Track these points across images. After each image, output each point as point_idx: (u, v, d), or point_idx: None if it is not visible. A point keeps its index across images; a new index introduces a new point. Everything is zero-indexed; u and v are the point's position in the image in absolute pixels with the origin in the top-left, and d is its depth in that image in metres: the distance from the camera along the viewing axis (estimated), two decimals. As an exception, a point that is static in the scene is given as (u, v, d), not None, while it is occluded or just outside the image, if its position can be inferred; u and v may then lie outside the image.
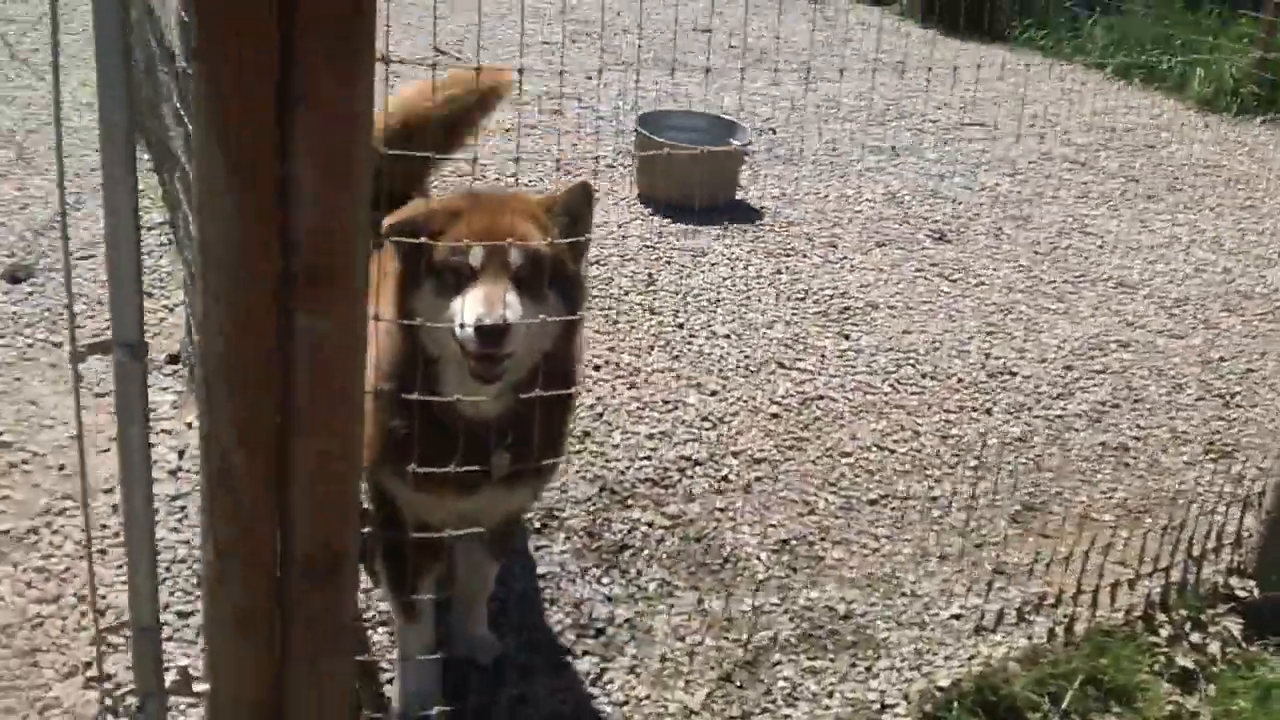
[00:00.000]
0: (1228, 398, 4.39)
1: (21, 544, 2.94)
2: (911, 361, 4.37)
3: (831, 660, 2.91)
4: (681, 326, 4.42)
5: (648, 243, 5.12)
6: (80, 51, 6.07)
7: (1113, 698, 2.85)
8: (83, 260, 4.16)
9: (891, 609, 3.10)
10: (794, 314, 4.64)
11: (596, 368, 4.04)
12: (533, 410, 2.05)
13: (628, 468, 3.52)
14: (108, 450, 3.09)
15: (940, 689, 2.83)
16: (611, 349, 4.18)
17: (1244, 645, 3.08)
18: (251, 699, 1.90)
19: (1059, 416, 4.13)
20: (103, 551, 2.89)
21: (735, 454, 3.67)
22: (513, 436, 2.14)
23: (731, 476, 3.56)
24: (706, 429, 3.78)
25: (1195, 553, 3.33)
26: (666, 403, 3.88)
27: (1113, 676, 2.88)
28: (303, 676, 1.89)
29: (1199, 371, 4.57)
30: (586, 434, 3.64)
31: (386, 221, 2.00)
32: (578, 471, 3.45)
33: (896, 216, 5.81)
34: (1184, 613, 3.15)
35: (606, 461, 3.53)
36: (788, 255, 5.19)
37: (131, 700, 1.93)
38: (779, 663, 2.88)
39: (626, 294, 4.61)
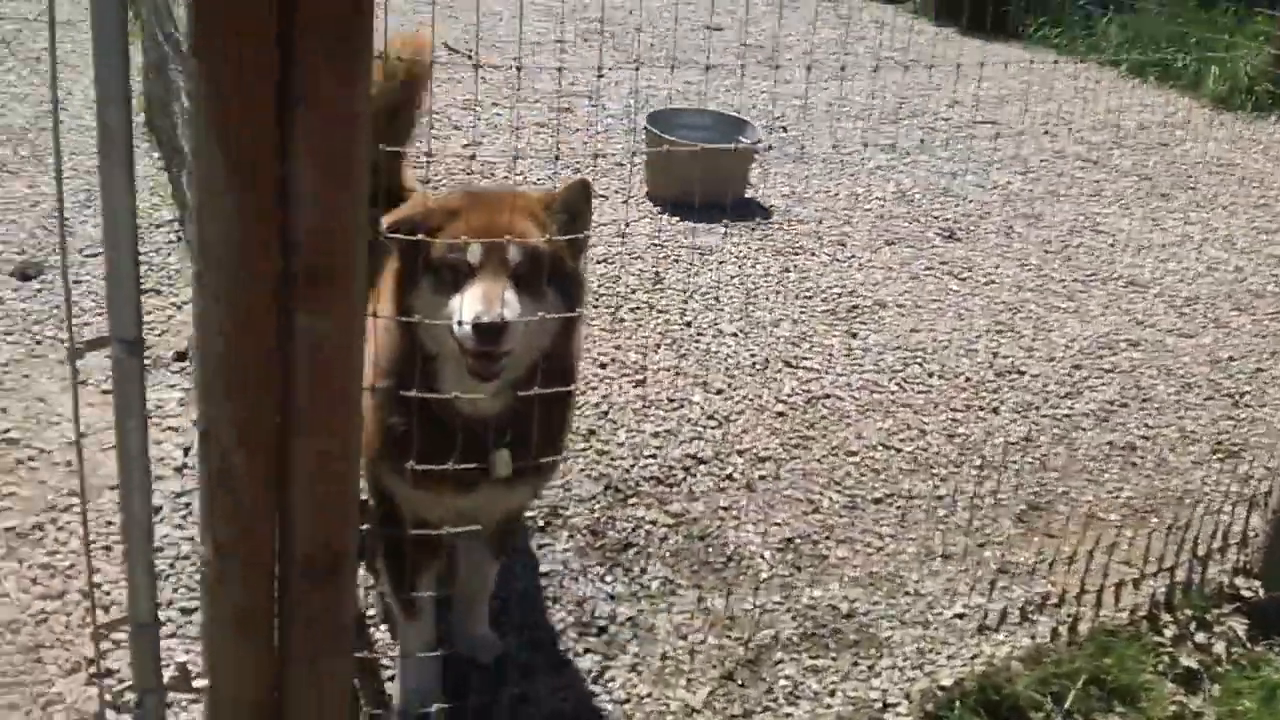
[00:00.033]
0: (1237, 397, 4.37)
1: (27, 540, 2.95)
2: (919, 360, 4.36)
3: (834, 659, 2.91)
4: (688, 325, 4.42)
5: (655, 241, 5.12)
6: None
7: (1116, 698, 2.85)
8: (92, 257, 4.18)
9: (895, 608, 3.09)
10: (801, 312, 4.64)
11: (602, 365, 4.04)
12: (532, 408, 2.05)
13: (632, 466, 3.52)
14: (113, 447, 3.10)
15: (942, 688, 2.82)
16: (618, 347, 4.18)
17: (1249, 645, 3.07)
18: (251, 698, 1.91)
19: (1066, 416, 4.12)
20: (107, 548, 2.91)
21: (740, 452, 3.67)
22: (512, 435, 2.15)
23: (736, 475, 3.56)
24: (712, 427, 3.78)
25: (1201, 553, 3.31)
26: (672, 401, 3.89)
27: (1116, 676, 2.87)
28: (303, 676, 1.90)
29: (1208, 371, 4.54)
30: (591, 432, 3.64)
31: (385, 220, 2.00)
32: (582, 469, 3.46)
33: (906, 215, 5.79)
34: (1189, 613, 3.14)
35: (611, 460, 3.53)
36: (796, 253, 5.19)
37: (131, 696, 1.94)
38: (781, 661, 2.88)
39: (633, 292, 4.61)
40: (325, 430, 1.74)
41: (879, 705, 2.78)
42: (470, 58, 7.07)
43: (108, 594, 2.77)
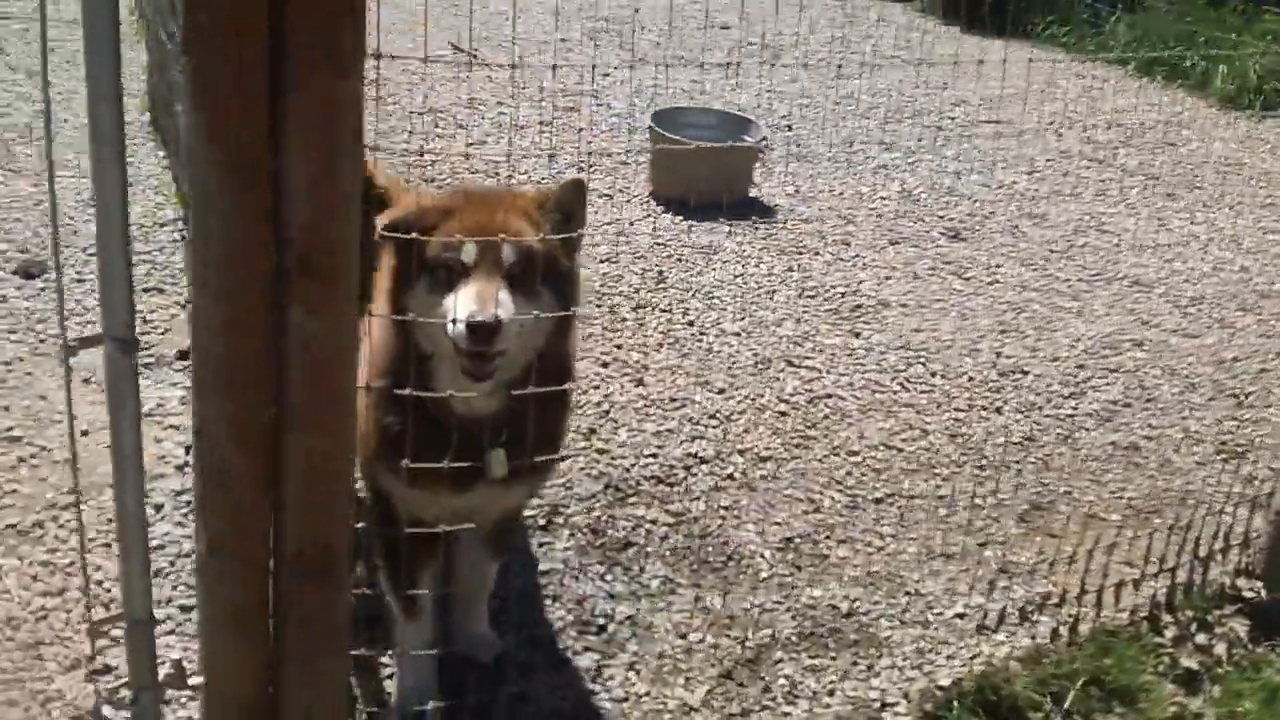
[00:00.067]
0: (1241, 397, 4.35)
1: (28, 537, 2.96)
2: (922, 360, 4.35)
3: (833, 658, 2.91)
4: (691, 324, 4.42)
5: (659, 240, 5.12)
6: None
7: (1116, 698, 2.84)
8: (95, 256, 4.18)
9: (894, 607, 3.09)
10: (804, 312, 4.63)
11: (604, 364, 4.04)
12: (528, 408, 2.05)
13: (633, 465, 3.52)
14: (115, 445, 3.11)
15: (941, 688, 2.82)
16: (619, 346, 4.18)
17: (1250, 647, 3.06)
18: (245, 696, 1.91)
19: (1070, 416, 4.11)
20: (108, 545, 2.91)
21: (741, 452, 3.66)
22: (507, 434, 2.15)
23: (737, 474, 3.55)
24: (713, 427, 3.78)
25: (1203, 553, 3.30)
26: (673, 400, 3.88)
27: (1116, 677, 2.86)
28: (298, 676, 1.90)
29: (1213, 371, 4.53)
30: (592, 431, 3.65)
31: (381, 219, 2.01)
32: (582, 468, 3.46)
33: (911, 214, 5.78)
34: (1190, 613, 3.13)
35: (612, 459, 3.53)
36: (800, 253, 5.18)
37: (127, 693, 1.94)
38: (780, 660, 2.88)
39: (636, 291, 4.61)
40: (319, 428, 1.74)
41: (877, 705, 2.78)
42: (475, 56, 7.07)
43: (108, 590, 2.78)
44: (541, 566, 3.08)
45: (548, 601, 2.97)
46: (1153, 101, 8.23)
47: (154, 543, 2.97)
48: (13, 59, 6.29)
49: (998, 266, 5.27)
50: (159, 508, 3.09)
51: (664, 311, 4.48)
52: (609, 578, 3.07)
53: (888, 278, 5.03)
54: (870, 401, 4.05)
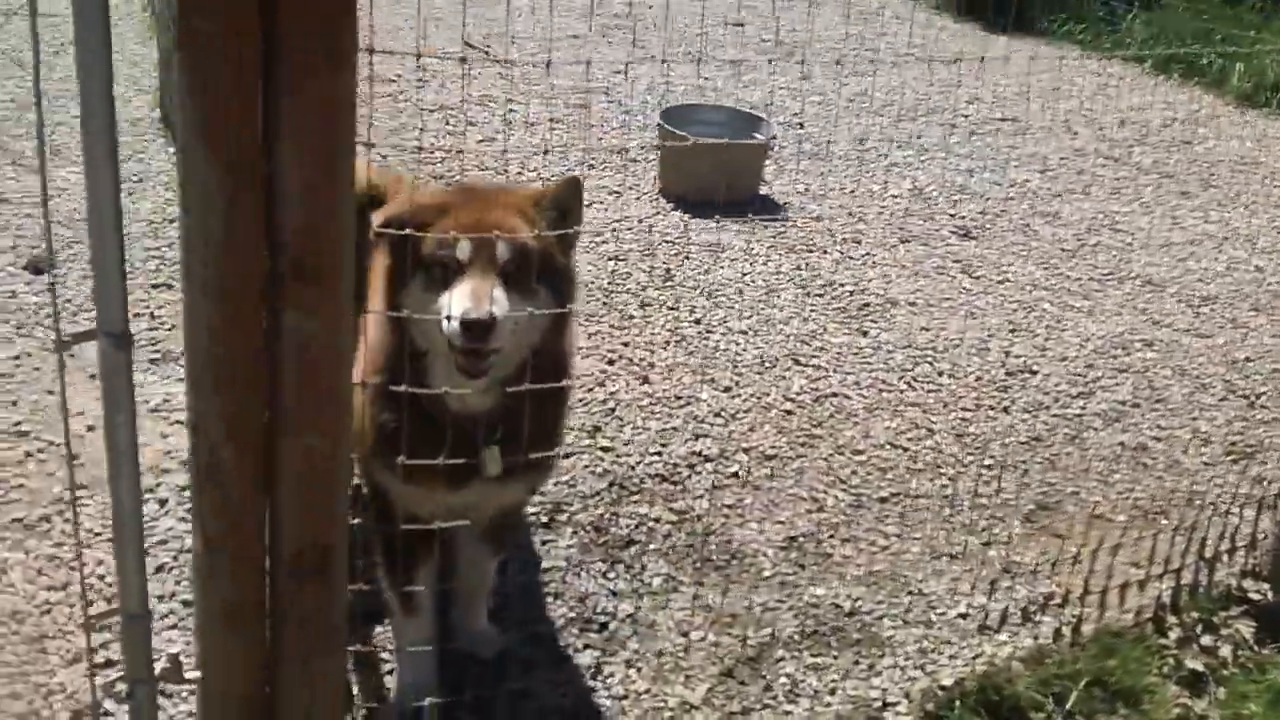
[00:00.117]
0: (1252, 398, 4.32)
1: (34, 532, 2.98)
2: (929, 359, 4.34)
3: (835, 657, 2.90)
4: (698, 322, 4.41)
5: (668, 237, 5.11)
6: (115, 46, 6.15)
7: (1119, 699, 2.83)
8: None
9: (897, 607, 3.08)
10: (812, 310, 4.62)
11: (610, 362, 4.04)
12: (523, 405, 2.06)
13: (637, 463, 3.52)
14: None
15: (943, 688, 2.81)
16: (626, 344, 4.18)
17: (1256, 649, 3.05)
18: (240, 693, 1.92)
19: (1078, 416, 4.09)
20: (111, 540, 2.92)
21: (746, 450, 3.66)
22: (502, 432, 2.15)
23: (741, 473, 3.55)
24: (718, 425, 3.77)
25: (1209, 554, 3.28)
26: (679, 398, 3.88)
27: (1119, 678, 2.85)
28: (295, 675, 1.91)
29: (1224, 371, 4.50)
30: (597, 428, 3.65)
31: (376, 216, 2.01)
32: (586, 466, 3.46)
33: (922, 212, 5.76)
34: (1195, 615, 3.12)
35: (616, 457, 3.53)
36: (809, 251, 5.17)
37: (122, 687, 1.95)
38: (782, 659, 2.88)
39: (644, 288, 4.61)
40: (313, 429, 1.75)
41: (879, 704, 2.78)
42: (488, 53, 7.08)
43: (111, 585, 2.79)
44: (543, 564, 3.08)
45: (549, 598, 2.97)
46: (1169, 100, 8.18)
47: (158, 538, 2.98)
48: (26, 57, 6.33)
49: (1008, 265, 5.25)
50: (163, 503, 3.11)
51: (670, 309, 4.47)
52: (611, 575, 3.07)
53: (897, 276, 5.01)
54: (876, 400, 4.03)
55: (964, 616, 3.07)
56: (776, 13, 8.48)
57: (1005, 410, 4.07)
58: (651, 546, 3.19)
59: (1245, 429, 4.11)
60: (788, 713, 2.73)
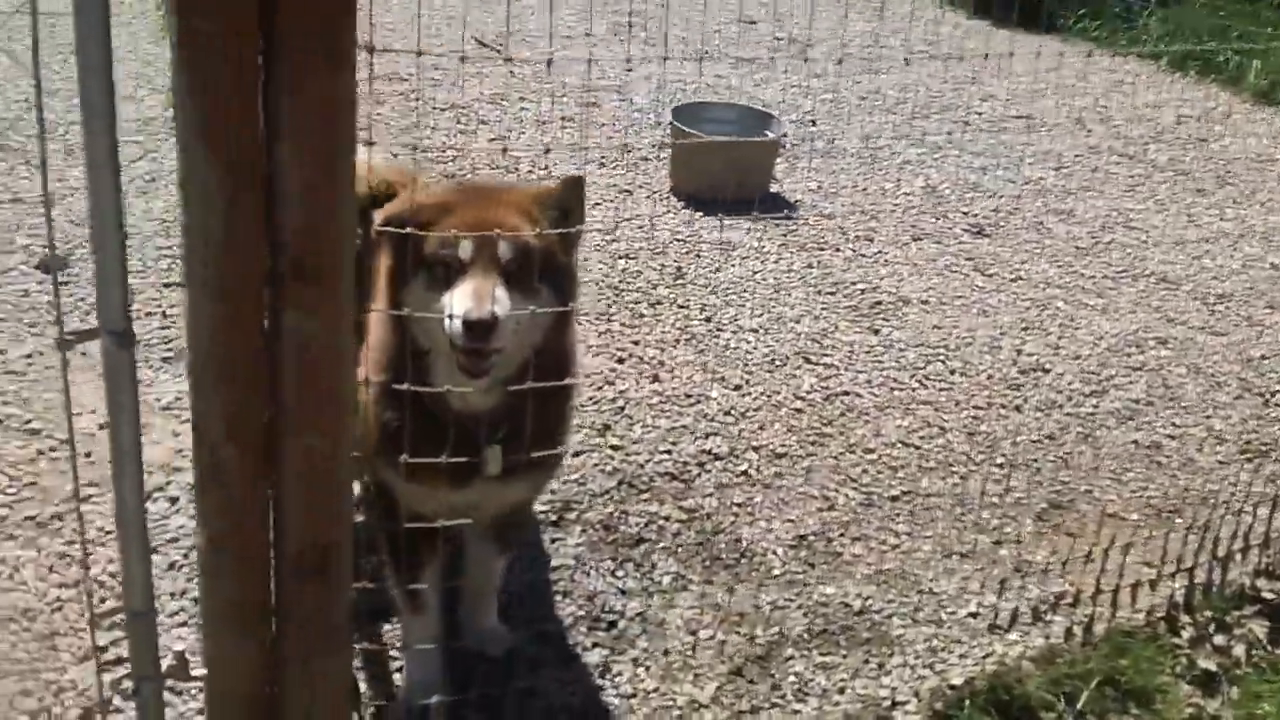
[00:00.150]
0: (1267, 396, 4.29)
1: (46, 529, 2.99)
2: (941, 357, 4.32)
3: (844, 656, 2.89)
4: (708, 320, 4.40)
5: (678, 235, 5.11)
6: (124, 44, 6.18)
7: (1131, 699, 2.81)
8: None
9: (908, 606, 3.07)
10: (823, 308, 4.61)
11: (620, 360, 4.04)
12: (525, 404, 2.05)
13: (647, 461, 3.51)
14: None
15: (953, 687, 2.80)
16: (636, 342, 4.17)
17: (1270, 648, 3.02)
18: (244, 691, 1.92)
19: (1091, 414, 4.07)
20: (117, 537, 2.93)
21: (756, 448, 3.65)
22: (505, 431, 2.15)
23: (751, 471, 3.54)
24: (729, 423, 3.76)
25: (1222, 553, 3.26)
26: (689, 396, 3.88)
27: (1131, 678, 2.83)
28: (297, 676, 1.91)
29: (1239, 369, 4.47)
30: (607, 427, 3.64)
31: (378, 215, 2.01)
32: (595, 464, 3.46)
33: (935, 210, 5.74)
34: (1208, 614, 3.09)
35: (626, 455, 3.53)
36: (821, 249, 5.16)
37: (128, 684, 1.96)
38: (791, 658, 2.87)
39: (654, 286, 4.60)
40: (313, 429, 1.74)
41: (888, 703, 2.76)
42: (499, 52, 7.08)
43: (121, 583, 2.80)
44: (552, 561, 3.08)
45: (558, 597, 2.97)
46: (1185, 97, 8.14)
47: (169, 536, 3.00)
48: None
49: (1021, 263, 5.23)
50: (174, 500, 3.12)
51: (681, 307, 4.47)
52: (620, 573, 3.07)
53: (909, 274, 4.99)
54: (888, 399, 4.02)
55: (974, 615, 3.06)
56: (788, 11, 8.46)
57: (1017, 409, 4.05)
58: (661, 545, 3.19)
59: (1260, 427, 4.08)
60: (796, 711, 2.72)
